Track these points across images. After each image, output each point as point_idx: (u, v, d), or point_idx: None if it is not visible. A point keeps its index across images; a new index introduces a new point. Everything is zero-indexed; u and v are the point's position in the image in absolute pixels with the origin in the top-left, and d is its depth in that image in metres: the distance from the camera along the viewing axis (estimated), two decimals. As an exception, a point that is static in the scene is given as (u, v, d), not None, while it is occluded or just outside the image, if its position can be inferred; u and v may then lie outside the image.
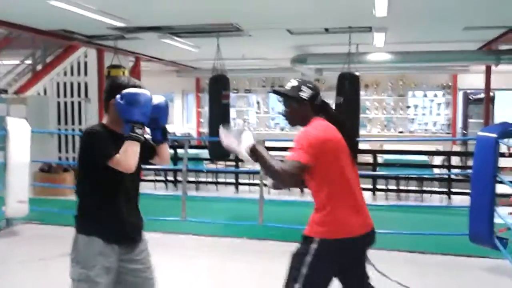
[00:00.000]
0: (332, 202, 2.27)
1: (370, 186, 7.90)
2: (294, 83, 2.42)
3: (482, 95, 10.82)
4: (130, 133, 2.17)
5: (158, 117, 2.34)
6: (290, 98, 2.41)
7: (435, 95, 12.16)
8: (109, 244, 2.25)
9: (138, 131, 2.18)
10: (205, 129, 13.84)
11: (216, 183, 8.70)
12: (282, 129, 13.00)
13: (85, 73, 8.54)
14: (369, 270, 2.43)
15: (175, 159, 8.59)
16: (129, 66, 9.17)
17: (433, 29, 6.90)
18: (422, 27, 6.67)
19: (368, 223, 2.36)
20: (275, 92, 2.54)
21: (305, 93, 2.37)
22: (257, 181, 7.07)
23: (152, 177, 9.20)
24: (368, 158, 8.22)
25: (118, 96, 2.20)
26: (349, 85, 5.86)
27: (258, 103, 13.42)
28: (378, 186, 7.92)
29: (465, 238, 4.41)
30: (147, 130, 2.34)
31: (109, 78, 2.53)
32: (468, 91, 11.66)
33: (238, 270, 4.44)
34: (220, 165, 9.07)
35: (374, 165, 7.84)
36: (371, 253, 5.05)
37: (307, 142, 2.22)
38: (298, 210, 6.89)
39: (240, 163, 8.61)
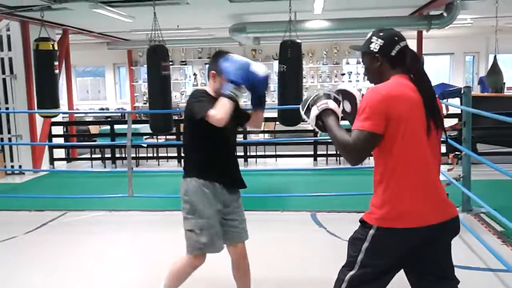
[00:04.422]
0: (394, 181, 1.80)
1: (312, 152, 8.14)
2: (369, 34, 1.94)
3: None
4: (227, 91, 2.41)
5: (256, 85, 2.52)
6: (363, 54, 1.95)
7: (367, 62, 12.52)
8: (210, 181, 2.56)
9: (234, 91, 2.41)
10: (140, 104, 13.44)
11: (158, 157, 8.53)
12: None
13: (9, 48, 7.93)
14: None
15: (112, 135, 8.29)
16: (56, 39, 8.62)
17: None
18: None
19: (442, 211, 1.84)
20: (354, 48, 2.07)
21: (375, 45, 1.87)
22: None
23: (88, 155, 8.87)
24: (308, 126, 8.36)
25: (222, 58, 2.47)
26: (291, 53, 5.83)
27: (195, 75, 13.18)
28: (319, 152, 8.17)
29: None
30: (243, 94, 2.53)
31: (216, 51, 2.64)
32: (398, 57, 12.09)
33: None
34: (161, 139, 8.88)
35: (315, 131, 7.98)
36: (323, 216, 5.12)
37: (370, 106, 1.76)
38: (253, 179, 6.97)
39: (181, 136, 8.48)
